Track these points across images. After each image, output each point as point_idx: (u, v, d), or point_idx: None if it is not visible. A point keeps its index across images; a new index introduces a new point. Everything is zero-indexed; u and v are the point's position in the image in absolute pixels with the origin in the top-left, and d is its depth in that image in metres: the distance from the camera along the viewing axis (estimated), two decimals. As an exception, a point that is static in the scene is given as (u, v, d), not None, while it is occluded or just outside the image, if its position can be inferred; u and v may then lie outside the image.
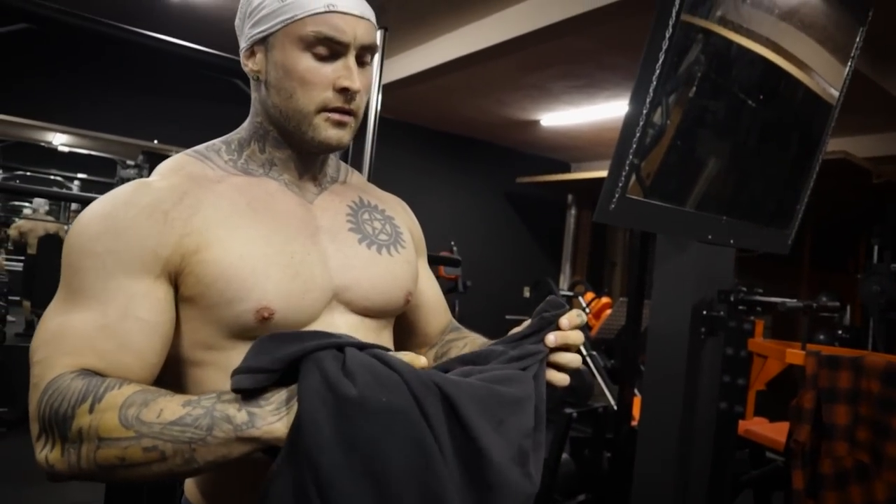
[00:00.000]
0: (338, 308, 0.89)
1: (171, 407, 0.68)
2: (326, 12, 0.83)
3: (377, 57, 2.24)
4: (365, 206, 0.99)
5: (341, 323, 0.89)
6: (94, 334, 0.75)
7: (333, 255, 0.90)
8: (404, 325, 1.08)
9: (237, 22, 0.92)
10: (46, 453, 0.70)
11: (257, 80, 0.89)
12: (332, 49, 0.85)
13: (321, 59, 0.85)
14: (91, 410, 0.68)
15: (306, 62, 0.84)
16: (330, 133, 0.87)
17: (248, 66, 0.89)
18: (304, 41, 0.84)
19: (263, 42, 0.87)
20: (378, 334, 0.95)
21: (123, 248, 0.77)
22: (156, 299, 0.79)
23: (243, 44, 0.90)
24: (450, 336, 1.11)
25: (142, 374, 0.77)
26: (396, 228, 1.01)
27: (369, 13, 0.89)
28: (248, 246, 0.81)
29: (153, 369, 0.79)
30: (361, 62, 0.89)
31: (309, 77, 0.84)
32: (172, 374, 0.84)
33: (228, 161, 0.91)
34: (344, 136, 0.88)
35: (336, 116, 0.86)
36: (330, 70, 0.85)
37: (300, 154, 0.92)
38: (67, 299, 0.77)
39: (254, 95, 0.92)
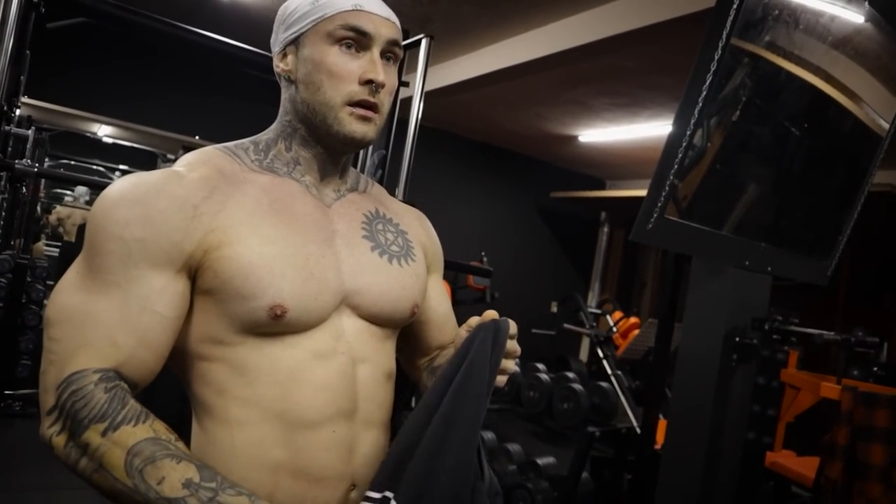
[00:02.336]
0: (346, 311, 0.91)
1: (172, 480, 0.71)
2: (354, 10, 0.89)
3: (420, 65, 2.26)
4: (380, 218, 1.01)
5: (348, 326, 0.90)
6: (116, 327, 0.77)
7: (346, 260, 0.91)
8: (408, 337, 1.08)
9: (272, 37, 0.96)
10: (53, 434, 0.75)
11: (288, 79, 0.93)
12: (358, 42, 0.89)
13: (348, 53, 0.89)
14: (104, 434, 0.73)
15: (334, 56, 0.88)
16: (355, 127, 0.89)
17: (280, 66, 0.93)
18: (332, 36, 0.88)
19: (295, 42, 0.91)
20: (381, 342, 0.96)
21: (151, 238, 0.79)
22: (174, 293, 0.81)
23: (277, 48, 0.94)
24: (447, 350, 1.10)
25: (153, 367, 0.80)
26: (408, 242, 1.02)
27: (394, 18, 0.94)
28: (268, 245, 0.84)
29: (162, 361, 0.82)
30: (386, 60, 0.92)
31: (336, 70, 0.88)
32: (180, 366, 0.87)
33: (255, 160, 0.93)
34: (368, 131, 0.90)
35: (360, 111, 0.89)
36: (356, 65, 0.89)
37: (325, 153, 0.95)
38: (88, 277, 0.79)
39: (284, 96, 0.96)
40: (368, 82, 0.88)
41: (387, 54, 0.92)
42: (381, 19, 0.90)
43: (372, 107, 0.90)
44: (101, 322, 0.77)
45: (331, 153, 0.95)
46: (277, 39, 0.94)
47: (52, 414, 0.75)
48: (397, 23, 0.94)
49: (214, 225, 0.82)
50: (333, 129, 0.89)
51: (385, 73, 0.90)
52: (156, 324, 0.79)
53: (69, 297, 0.79)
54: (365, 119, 0.89)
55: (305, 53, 0.90)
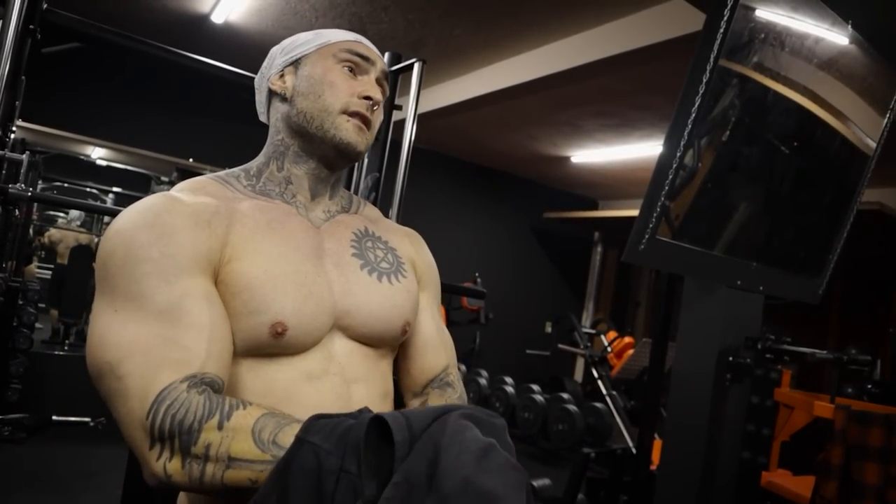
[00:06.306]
0: (337, 333, 0.91)
1: None
2: (356, 41, 0.98)
3: (413, 88, 2.28)
4: (369, 236, 1.02)
5: (339, 347, 0.90)
6: (182, 334, 0.75)
7: (337, 280, 0.92)
8: (398, 362, 1.05)
9: (266, 65, 1.01)
10: (165, 462, 0.70)
11: (283, 97, 0.97)
12: (358, 66, 0.96)
13: (349, 74, 0.96)
14: (220, 427, 0.69)
15: (337, 71, 0.95)
16: (351, 135, 0.94)
17: (277, 85, 0.98)
18: (336, 57, 0.96)
19: (294, 64, 0.97)
20: (375, 363, 0.95)
21: (179, 251, 0.79)
22: (217, 293, 0.82)
23: (273, 71, 0.99)
24: (432, 395, 1.04)
25: (229, 362, 0.79)
26: (398, 259, 1.03)
27: (384, 64, 1.02)
28: (270, 262, 0.85)
29: (232, 355, 0.81)
30: (379, 87, 0.99)
31: (338, 82, 0.94)
32: None
33: (247, 186, 0.96)
34: (361, 141, 0.95)
35: (357, 121, 0.94)
36: (357, 82, 0.96)
37: (317, 168, 0.98)
38: (131, 308, 0.76)
39: (275, 117, 0.99)
40: (367, 98, 0.94)
41: (379, 83, 0.99)
42: (377, 55, 0.99)
43: (366, 121, 0.95)
44: (166, 338, 0.75)
45: (322, 168, 0.98)
46: (273, 65, 0.99)
47: (154, 447, 0.70)
48: (387, 69, 1.02)
49: (227, 240, 0.84)
50: (330, 133, 0.93)
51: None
52: (217, 317, 0.79)
53: (120, 334, 0.75)
54: (360, 129, 0.94)
55: (307, 70, 0.95)
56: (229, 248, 0.84)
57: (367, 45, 0.98)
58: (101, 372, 0.74)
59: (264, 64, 1.02)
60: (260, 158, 1.00)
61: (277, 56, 0.99)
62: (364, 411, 0.67)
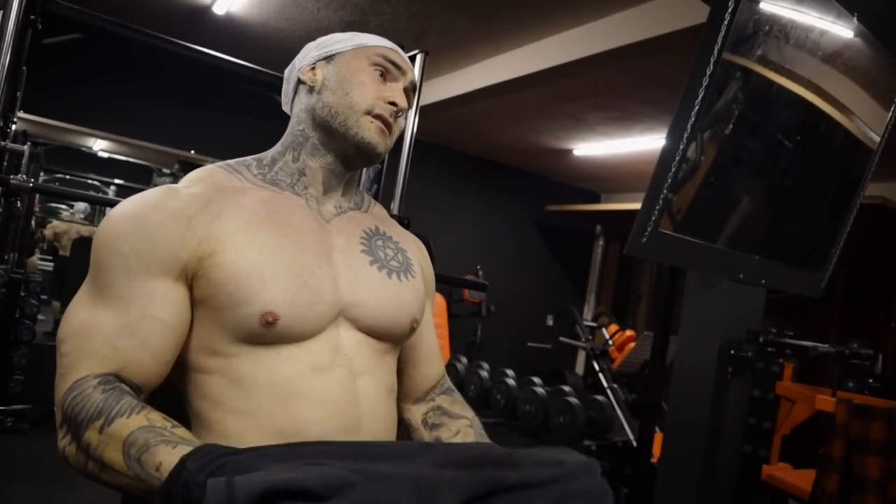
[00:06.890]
0: (344, 324, 0.91)
1: (169, 462, 0.68)
2: (391, 49, 1.00)
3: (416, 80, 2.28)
4: (379, 235, 1.02)
5: (346, 339, 0.90)
6: (116, 333, 0.80)
7: (344, 273, 0.92)
8: (398, 365, 1.06)
9: (300, 57, 1.02)
10: (65, 444, 0.77)
11: (311, 88, 0.98)
12: (389, 72, 0.98)
13: (379, 78, 0.97)
14: (100, 431, 0.73)
15: (369, 73, 0.97)
16: (373, 135, 0.95)
17: (307, 76, 0.99)
18: (370, 59, 0.97)
19: (328, 59, 0.99)
20: (382, 357, 0.95)
21: (148, 249, 0.82)
22: (174, 300, 0.83)
23: (305, 63, 1.00)
24: (440, 400, 1.08)
25: (157, 370, 0.82)
26: (408, 259, 1.04)
27: (414, 76, 1.05)
28: (261, 253, 0.85)
29: (167, 366, 0.84)
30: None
31: (367, 83, 0.96)
32: (177, 377, 0.88)
33: (258, 175, 0.96)
34: (381, 143, 0.96)
35: (380, 123, 0.95)
36: (385, 87, 0.97)
37: (333, 163, 0.98)
38: (93, 293, 0.83)
39: (298, 107, 1.00)
40: (392, 104, 0.96)
41: (406, 93, 1.01)
42: (409, 66, 1.02)
43: (388, 125, 0.96)
44: (103, 331, 0.80)
45: (339, 164, 0.98)
46: (307, 57, 1.01)
47: (62, 427, 0.77)
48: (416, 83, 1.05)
49: (209, 234, 0.84)
50: (352, 131, 0.94)
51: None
52: (156, 328, 0.81)
53: (76, 314, 0.82)
54: (382, 131, 0.96)
55: (340, 66, 0.97)
56: (212, 242, 0.84)
57: (401, 55, 1.00)
58: (57, 343, 0.82)
59: (297, 56, 1.03)
60: (277, 147, 1.00)
61: (312, 49, 1.01)
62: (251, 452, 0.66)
